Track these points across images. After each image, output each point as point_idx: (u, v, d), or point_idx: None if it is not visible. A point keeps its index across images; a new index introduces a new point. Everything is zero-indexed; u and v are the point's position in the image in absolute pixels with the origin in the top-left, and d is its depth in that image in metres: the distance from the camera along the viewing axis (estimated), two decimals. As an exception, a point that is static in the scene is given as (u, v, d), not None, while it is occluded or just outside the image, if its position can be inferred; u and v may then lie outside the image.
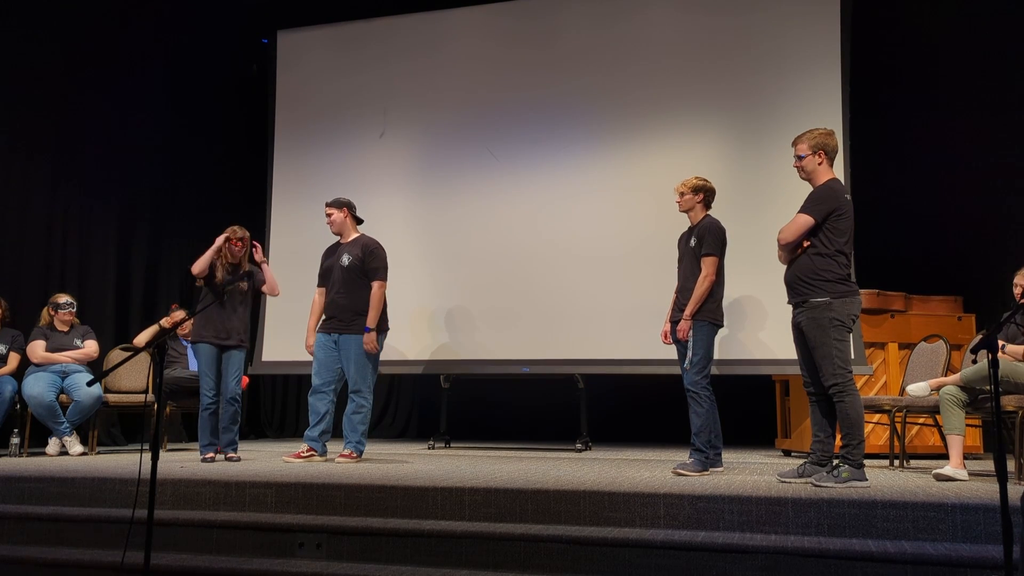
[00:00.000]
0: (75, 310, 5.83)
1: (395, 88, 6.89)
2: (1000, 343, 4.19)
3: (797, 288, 3.87)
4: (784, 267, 3.98)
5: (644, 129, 6.22)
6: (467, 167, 6.60)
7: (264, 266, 5.19)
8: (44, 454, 5.44)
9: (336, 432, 5.34)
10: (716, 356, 4.57)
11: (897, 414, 4.86)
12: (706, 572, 3.01)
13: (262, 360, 6.84)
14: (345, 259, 5.08)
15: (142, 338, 6.21)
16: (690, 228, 4.55)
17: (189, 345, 6.17)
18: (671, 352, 4.62)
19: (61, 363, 5.65)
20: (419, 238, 6.62)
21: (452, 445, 6.53)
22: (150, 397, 5.87)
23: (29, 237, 6.30)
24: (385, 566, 3.27)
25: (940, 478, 3.90)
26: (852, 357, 4.24)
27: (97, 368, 6.04)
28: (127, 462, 4.80)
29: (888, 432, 5.13)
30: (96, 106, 6.77)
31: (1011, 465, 4.18)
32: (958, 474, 3.90)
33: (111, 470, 4.18)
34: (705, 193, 4.50)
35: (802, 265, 3.85)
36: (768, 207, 5.60)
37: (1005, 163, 5.94)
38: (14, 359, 5.60)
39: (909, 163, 6.73)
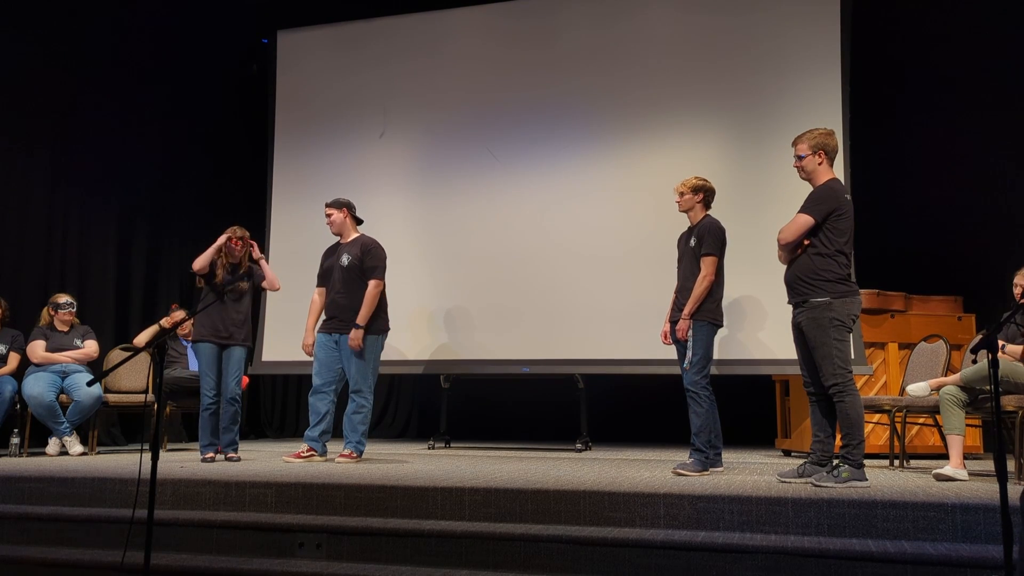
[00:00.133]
0: (75, 310, 5.83)
1: (395, 88, 6.90)
2: (1000, 343, 4.19)
3: (797, 288, 3.87)
4: (784, 267, 3.98)
5: (644, 129, 6.22)
6: (467, 167, 6.60)
7: (262, 262, 5.20)
8: (44, 454, 5.44)
9: (336, 432, 5.33)
10: (716, 356, 4.57)
11: (897, 414, 4.86)
12: (706, 572, 3.01)
13: (262, 360, 6.84)
14: (345, 259, 5.08)
15: (142, 338, 6.21)
16: (690, 228, 4.55)
17: (189, 345, 6.18)
18: (671, 352, 4.61)
19: (61, 363, 5.65)
20: (419, 238, 6.62)
21: (452, 445, 6.53)
22: (150, 397, 5.87)
23: (29, 237, 6.30)
24: (385, 566, 3.27)
25: (940, 478, 3.90)
26: (852, 357, 4.24)
27: (97, 368, 6.04)
28: (127, 462, 4.80)
29: (888, 432, 5.12)
30: (96, 106, 6.77)
31: (1011, 465, 4.18)
32: (958, 474, 3.90)
33: (111, 470, 4.18)
34: (705, 193, 4.50)
35: (802, 265, 3.85)
36: (768, 207, 5.60)
37: (1005, 163, 5.95)
38: (14, 359, 5.60)
39: (909, 163, 6.73)
